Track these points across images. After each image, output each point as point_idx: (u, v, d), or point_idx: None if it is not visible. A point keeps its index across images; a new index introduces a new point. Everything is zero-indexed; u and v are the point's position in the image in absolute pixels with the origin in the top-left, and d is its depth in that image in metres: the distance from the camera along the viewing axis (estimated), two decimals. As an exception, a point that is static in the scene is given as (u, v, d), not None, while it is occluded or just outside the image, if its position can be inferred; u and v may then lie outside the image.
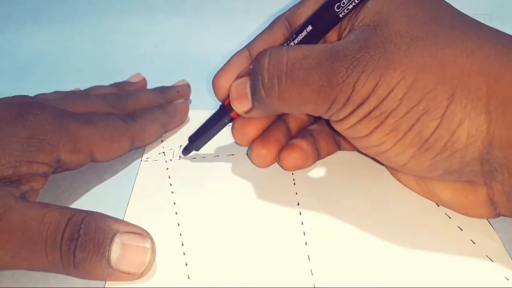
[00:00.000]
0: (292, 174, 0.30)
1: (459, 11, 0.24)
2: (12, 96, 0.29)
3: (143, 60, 0.43)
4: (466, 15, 0.24)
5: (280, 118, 0.30)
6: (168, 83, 0.37)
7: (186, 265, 0.24)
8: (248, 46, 0.28)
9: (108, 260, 0.22)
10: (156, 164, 0.31)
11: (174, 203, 0.28)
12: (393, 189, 0.28)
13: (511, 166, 0.22)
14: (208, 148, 0.31)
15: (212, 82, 0.29)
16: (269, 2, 0.45)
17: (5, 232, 0.22)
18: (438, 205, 0.27)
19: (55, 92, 0.33)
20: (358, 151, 0.30)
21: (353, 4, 0.24)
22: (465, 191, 0.25)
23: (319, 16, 0.25)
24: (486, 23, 0.24)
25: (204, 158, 0.31)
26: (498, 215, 0.25)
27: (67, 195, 0.28)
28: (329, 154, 0.31)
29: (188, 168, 0.31)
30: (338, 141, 0.31)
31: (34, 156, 0.26)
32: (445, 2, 0.25)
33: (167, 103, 0.34)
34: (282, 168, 0.29)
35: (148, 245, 0.23)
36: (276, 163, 0.30)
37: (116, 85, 0.35)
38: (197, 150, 0.31)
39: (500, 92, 0.21)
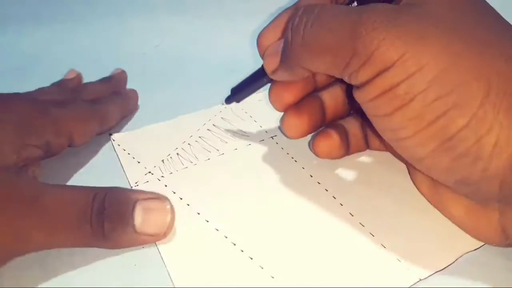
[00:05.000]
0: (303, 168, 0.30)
1: (499, 16, 0.23)
2: None
3: (143, 60, 0.43)
4: (506, 21, 0.23)
5: (317, 96, 0.29)
6: (168, 83, 0.38)
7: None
8: (295, 4, 0.28)
9: (133, 225, 0.24)
10: (150, 185, 0.30)
11: (198, 213, 0.27)
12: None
13: None
14: (207, 153, 0.31)
15: (257, 40, 0.28)
16: (270, 2, 0.45)
17: (43, 213, 0.24)
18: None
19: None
20: (387, 151, 0.30)
21: None
22: (477, 212, 0.24)
23: None
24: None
25: (195, 165, 0.31)
26: (510, 245, 0.24)
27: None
28: (358, 151, 0.31)
29: (187, 176, 0.30)
30: (368, 139, 0.31)
31: (29, 139, 0.26)
32: (488, 5, 0.24)
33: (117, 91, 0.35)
34: (314, 153, 0.30)
35: (168, 206, 0.25)
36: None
37: (55, 84, 0.35)
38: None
39: None
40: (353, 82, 0.23)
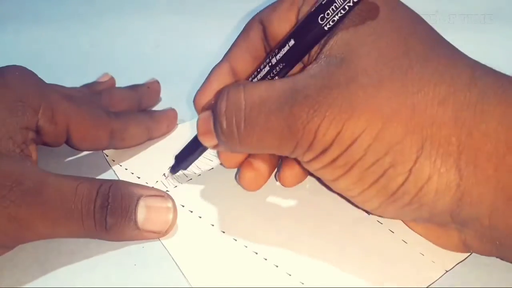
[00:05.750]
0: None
1: (434, 33, 0.23)
2: None
3: (143, 60, 0.43)
4: (441, 39, 0.23)
5: None
6: (168, 83, 0.37)
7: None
8: (227, 58, 0.28)
9: (135, 222, 0.25)
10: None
11: (212, 225, 0.27)
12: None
13: (483, 219, 0.21)
14: (209, 162, 0.31)
15: (193, 103, 0.28)
16: (270, 3, 0.45)
17: (45, 204, 0.24)
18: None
19: None
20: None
21: (339, 15, 0.22)
22: (437, 232, 0.24)
23: (302, 29, 0.23)
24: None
25: (199, 176, 0.30)
26: (473, 252, 0.24)
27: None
28: None
29: (193, 188, 0.29)
30: None
31: (21, 121, 0.26)
32: (420, 22, 0.23)
33: (153, 110, 0.34)
34: (283, 185, 0.28)
35: (170, 205, 0.26)
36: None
37: (86, 86, 0.35)
38: (185, 169, 0.30)
39: (472, 146, 0.20)
40: (300, 160, 0.24)
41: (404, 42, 0.22)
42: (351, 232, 0.26)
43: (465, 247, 0.24)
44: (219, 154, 0.29)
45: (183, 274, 0.24)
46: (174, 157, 0.30)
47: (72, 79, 0.35)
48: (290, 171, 0.27)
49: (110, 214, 0.24)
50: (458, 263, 0.24)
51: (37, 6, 0.50)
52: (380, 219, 0.27)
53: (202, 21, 0.48)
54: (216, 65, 0.28)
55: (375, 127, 0.21)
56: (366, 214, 0.27)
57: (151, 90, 0.36)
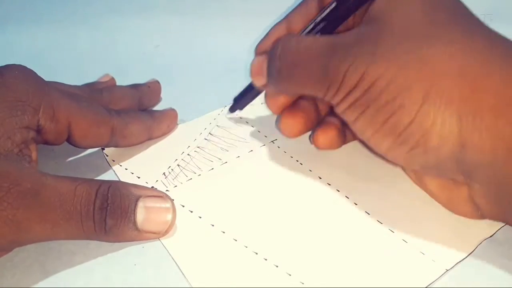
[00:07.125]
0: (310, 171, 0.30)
1: (463, 8, 0.25)
2: None
3: (143, 60, 0.43)
4: (465, 10, 0.25)
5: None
6: (168, 83, 0.37)
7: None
8: (286, 17, 0.31)
9: (135, 223, 0.25)
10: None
11: (212, 225, 0.27)
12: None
13: (485, 168, 0.23)
14: (209, 163, 0.31)
15: (255, 53, 0.31)
16: (270, 3, 0.45)
17: (43, 206, 0.23)
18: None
19: None
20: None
21: None
22: (449, 186, 0.26)
23: None
24: (486, 23, 0.24)
25: (199, 176, 0.30)
26: (483, 216, 0.26)
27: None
28: (351, 140, 0.32)
29: (193, 188, 0.29)
30: None
31: (21, 121, 0.25)
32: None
33: (153, 110, 0.35)
34: (316, 146, 0.30)
35: (168, 205, 0.26)
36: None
37: (87, 84, 0.35)
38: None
39: (472, 99, 0.22)
40: (331, 103, 0.27)
41: (431, 10, 0.25)
42: (351, 232, 0.26)
43: (475, 207, 0.25)
44: (266, 99, 0.31)
45: (183, 274, 0.24)
46: (232, 99, 0.33)
47: (72, 79, 0.35)
48: (324, 134, 0.30)
49: (110, 215, 0.24)
50: (459, 262, 0.24)
51: (37, 6, 0.50)
52: (380, 219, 0.27)
53: (202, 21, 0.48)
54: (277, 23, 0.31)
55: (390, 73, 0.23)
56: (366, 214, 0.27)
57: (151, 89, 0.36)
